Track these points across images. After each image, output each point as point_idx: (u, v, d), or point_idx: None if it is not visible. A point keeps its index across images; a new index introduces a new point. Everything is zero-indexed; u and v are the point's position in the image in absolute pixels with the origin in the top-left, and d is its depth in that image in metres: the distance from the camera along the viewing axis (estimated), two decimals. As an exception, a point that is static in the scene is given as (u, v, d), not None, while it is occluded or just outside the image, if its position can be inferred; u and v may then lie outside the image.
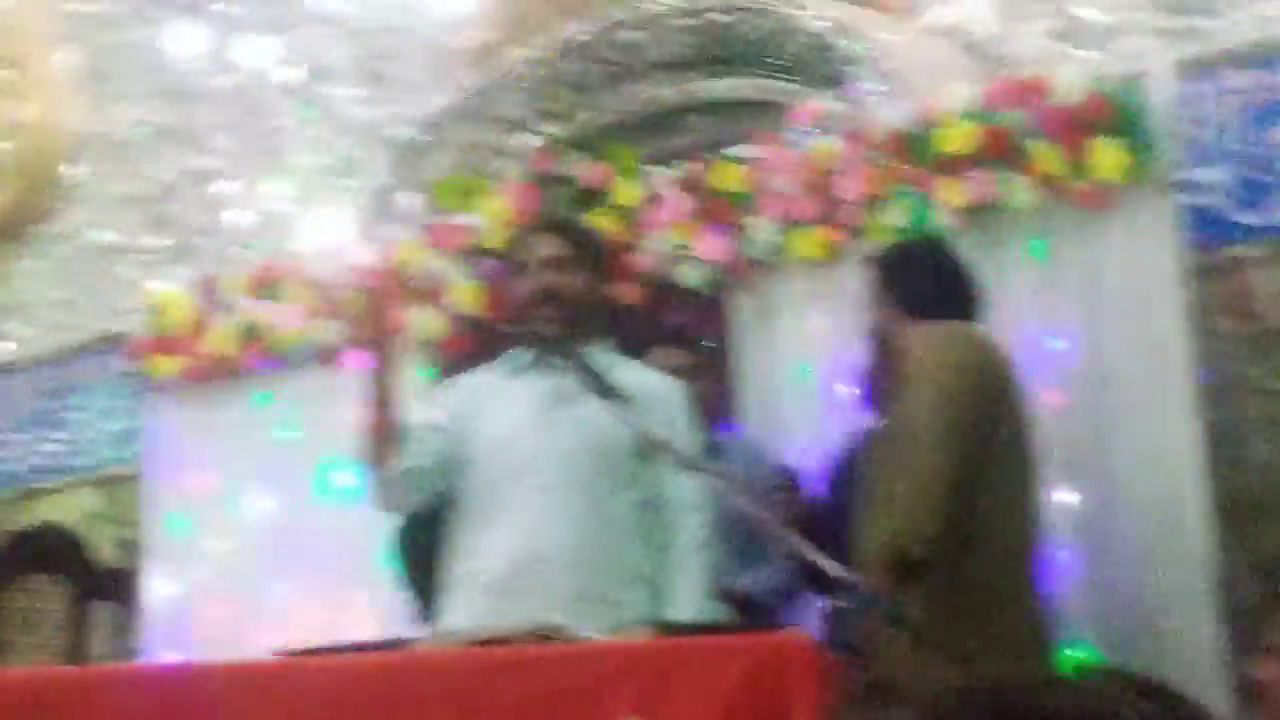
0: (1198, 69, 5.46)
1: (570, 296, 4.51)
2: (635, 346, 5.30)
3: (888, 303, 4.58)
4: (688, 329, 5.54)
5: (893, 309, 4.55)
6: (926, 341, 4.28)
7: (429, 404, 4.74)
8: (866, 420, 4.75)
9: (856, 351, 4.99)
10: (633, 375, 4.49)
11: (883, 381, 4.57)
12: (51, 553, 5.39)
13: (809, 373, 5.43)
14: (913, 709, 0.93)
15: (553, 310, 4.45)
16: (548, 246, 4.57)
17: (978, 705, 1.02)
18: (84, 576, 5.39)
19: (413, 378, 5.96)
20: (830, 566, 3.61)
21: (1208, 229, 5.33)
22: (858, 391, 4.95)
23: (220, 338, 6.55)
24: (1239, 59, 5.45)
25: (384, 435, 4.37)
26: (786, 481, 4.92)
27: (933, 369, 4.19)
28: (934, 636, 3.74)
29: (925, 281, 4.55)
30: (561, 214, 5.06)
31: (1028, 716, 0.99)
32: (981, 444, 4.15)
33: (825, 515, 4.56)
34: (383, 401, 4.34)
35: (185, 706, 3.57)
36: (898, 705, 0.95)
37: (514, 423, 4.50)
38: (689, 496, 4.38)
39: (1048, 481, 4.77)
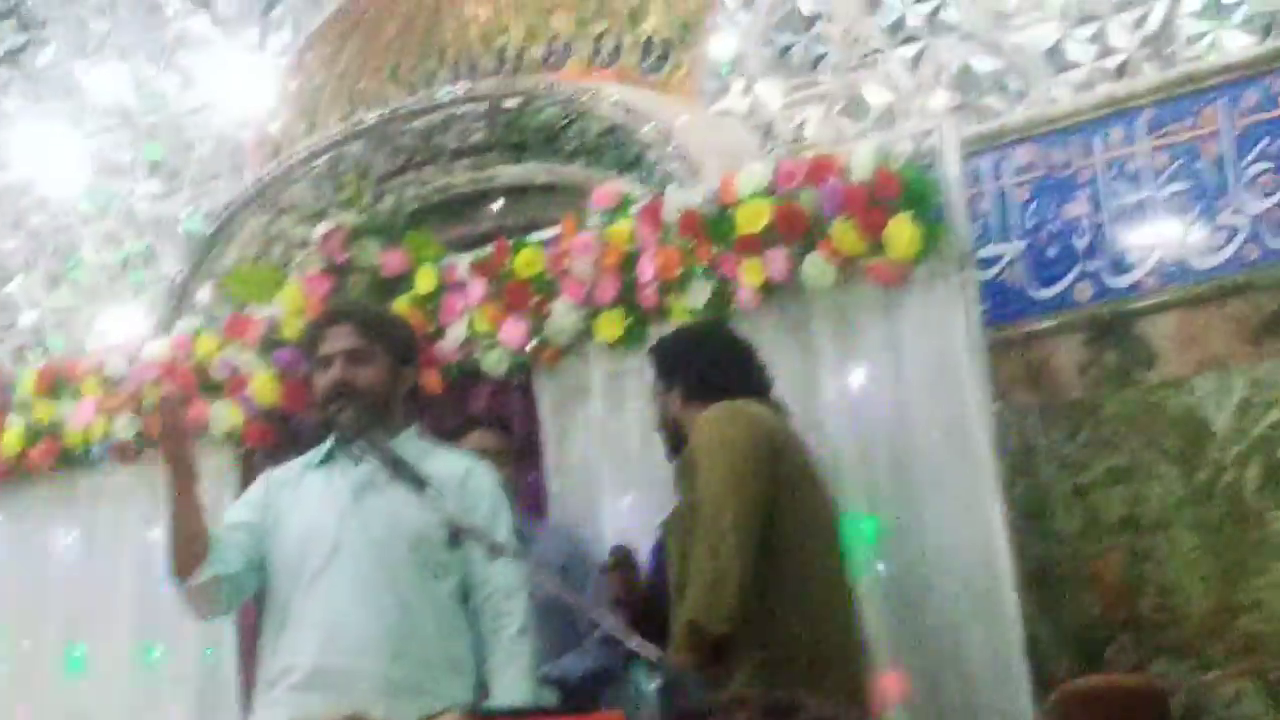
0: (985, 145, 5.57)
1: (364, 389, 4.45)
2: (444, 432, 5.30)
3: (671, 389, 4.62)
4: (495, 414, 5.51)
5: (675, 395, 4.59)
6: (705, 424, 4.34)
7: (235, 506, 4.66)
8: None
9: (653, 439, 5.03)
10: (441, 461, 4.45)
11: (674, 466, 4.61)
12: None
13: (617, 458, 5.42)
14: None
15: (348, 403, 4.40)
16: (340, 339, 4.51)
17: None
18: None
19: (220, 474, 5.92)
20: (641, 647, 3.60)
21: (1002, 303, 5.42)
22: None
23: (11, 437, 6.41)
24: (1025, 135, 5.56)
25: (188, 545, 4.29)
26: (621, 559, 4.91)
27: (713, 449, 4.24)
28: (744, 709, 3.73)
29: (703, 366, 4.62)
30: (353, 304, 5.01)
31: None
32: (775, 516, 4.18)
33: (657, 595, 4.56)
34: (184, 511, 4.27)
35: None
36: None
37: (320, 513, 4.44)
38: (505, 582, 4.34)
39: (856, 557, 4.82)
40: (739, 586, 4.04)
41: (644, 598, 4.68)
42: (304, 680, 4.26)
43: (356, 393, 4.42)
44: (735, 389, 4.50)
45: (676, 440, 4.61)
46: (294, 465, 4.70)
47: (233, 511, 4.60)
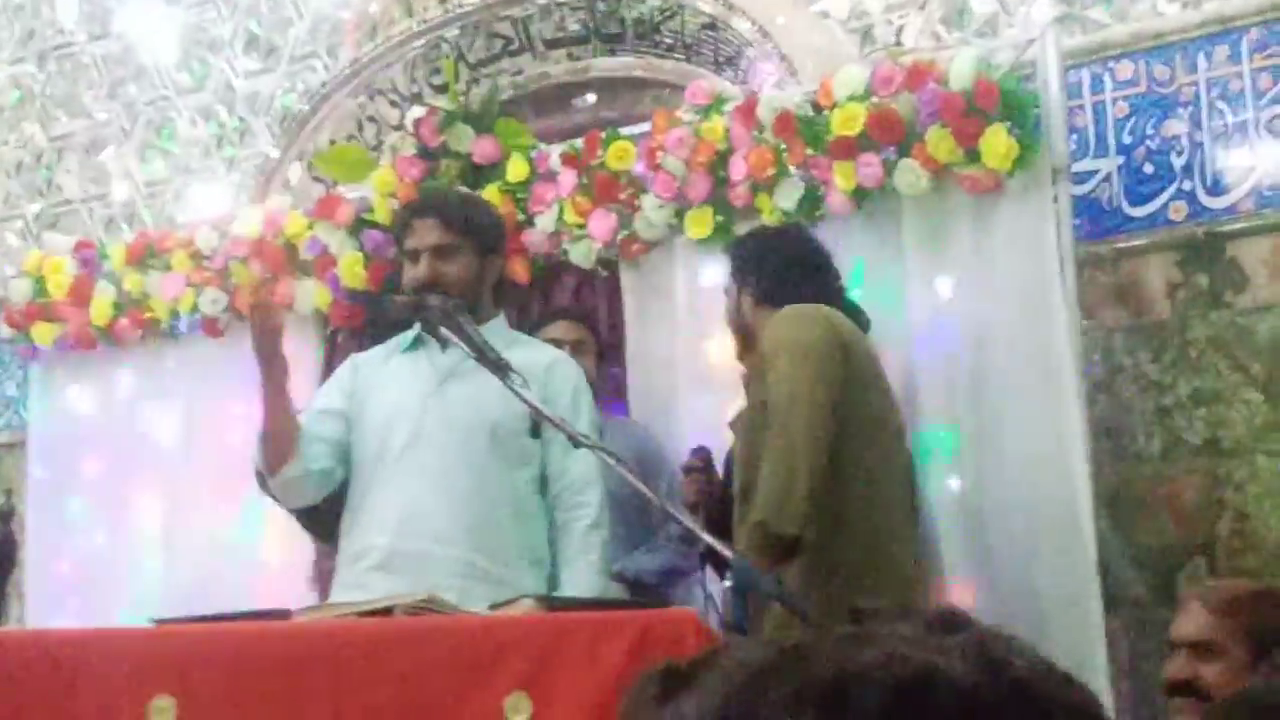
0: (1087, 58, 5.50)
1: (452, 284, 4.49)
2: (529, 322, 5.33)
3: (744, 290, 4.62)
4: (580, 306, 5.52)
5: (749, 295, 4.59)
6: (777, 325, 4.36)
7: (324, 390, 4.71)
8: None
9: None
10: (526, 351, 4.48)
11: (745, 367, 4.63)
12: (-69, 517, 5.30)
13: (698, 356, 5.42)
14: (716, 684, 0.93)
15: (438, 296, 4.42)
16: (427, 234, 4.54)
17: (780, 670, 1.00)
18: (-37, 542, 5.30)
19: (304, 353, 5.96)
20: (718, 546, 3.62)
21: (1094, 219, 5.38)
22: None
23: (100, 306, 6.46)
24: (1128, 50, 5.50)
25: (278, 442, 4.33)
26: (699, 461, 4.93)
27: (785, 351, 4.26)
28: (812, 613, 3.75)
29: (778, 268, 4.61)
30: (440, 196, 5.00)
31: (835, 679, 0.98)
32: (840, 419, 4.19)
33: (728, 500, 4.58)
34: (275, 409, 4.30)
35: (64, 671, 3.53)
36: (700, 685, 0.94)
37: (404, 398, 4.49)
38: (582, 474, 4.38)
39: (934, 468, 4.82)
40: (808, 489, 4.06)
41: (719, 501, 4.70)
42: (381, 561, 4.32)
43: (444, 288, 4.45)
44: (809, 294, 4.50)
45: (747, 341, 4.62)
46: (379, 349, 4.75)
47: (321, 396, 4.66)
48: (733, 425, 4.67)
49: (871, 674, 0.98)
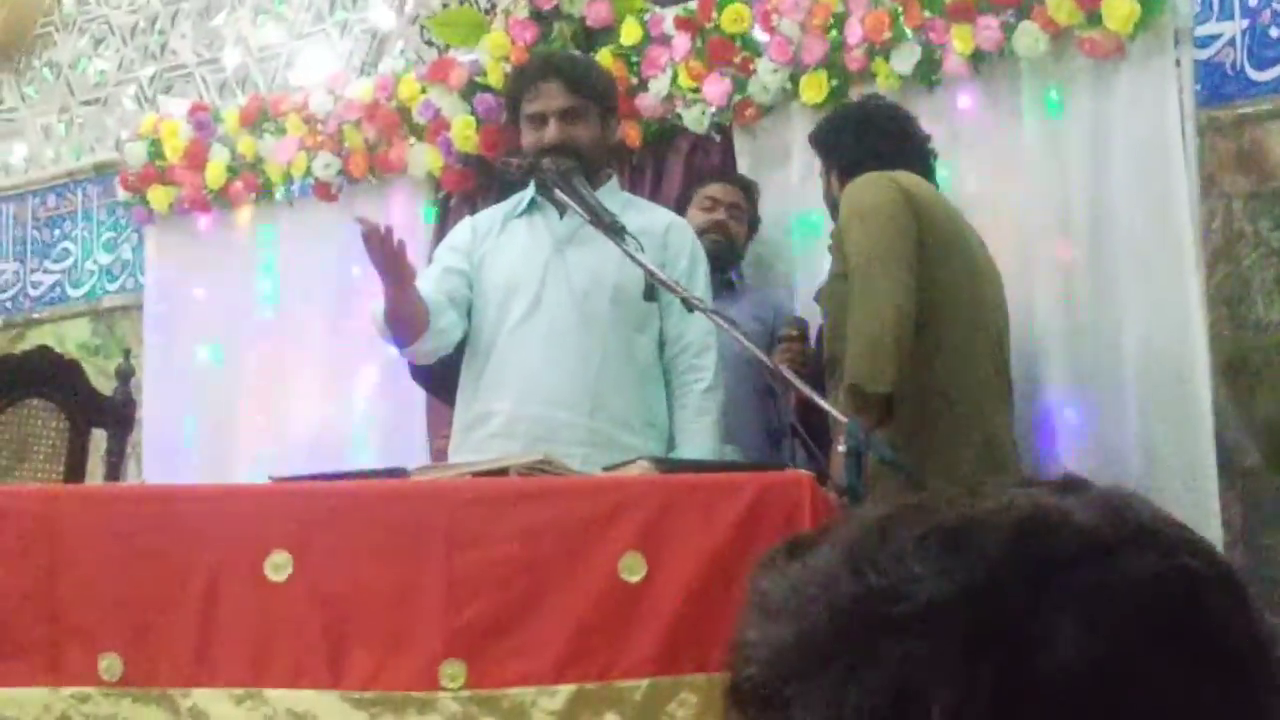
0: (1213, -80, 5.40)
1: (580, 148, 4.48)
2: (650, 185, 5.34)
3: (832, 171, 4.67)
4: (739, 174, 5.48)
5: (836, 177, 4.60)
6: (850, 193, 4.39)
7: (445, 249, 4.71)
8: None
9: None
10: (640, 215, 4.48)
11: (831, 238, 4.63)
12: (50, 378, 5.34)
13: (812, 222, 5.39)
14: (840, 537, 0.94)
15: (561, 160, 4.41)
16: (553, 97, 4.52)
17: (903, 519, 1.01)
18: (82, 403, 5.35)
19: (417, 216, 5.99)
20: (832, 410, 3.63)
21: (1216, 84, 5.29)
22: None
23: (215, 169, 6.50)
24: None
25: (409, 323, 4.34)
26: (794, 330, 4.93)
27: (858, 217, 4.29)
28: (920, 479, 3.75)
29: (858, 146, 4.60)
30: (563, 58, 4.97)
31: (958, 522, 0.98)
32: (925, 276, 4.18)
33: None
34: (401, 304, 4.29)
35: (181, 527, 3.58)
36: (825, 541, 0.95)
37: (523, 264, 4.49)
38: (698, 338, 4.38)
39: (1048, 336, 4.80)
40: (895, 345, 4.08)
41: (815, 370, 4.70)
42: (503, 427, 4.35)
43: (573, 152, 4.44)
44: (887, 163, 4.48)
45: (834, 213, 4.63)
46: (494, 212, 4.75)
47: (444, 254, 4.66)
48: (818, 298, 4.67)
49: (990, 518, 0.99)
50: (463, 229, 4.74)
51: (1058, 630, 0.94)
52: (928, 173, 4.61)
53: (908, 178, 4.42)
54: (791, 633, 1.00)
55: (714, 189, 5.31)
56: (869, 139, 4.59)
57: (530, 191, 4.60)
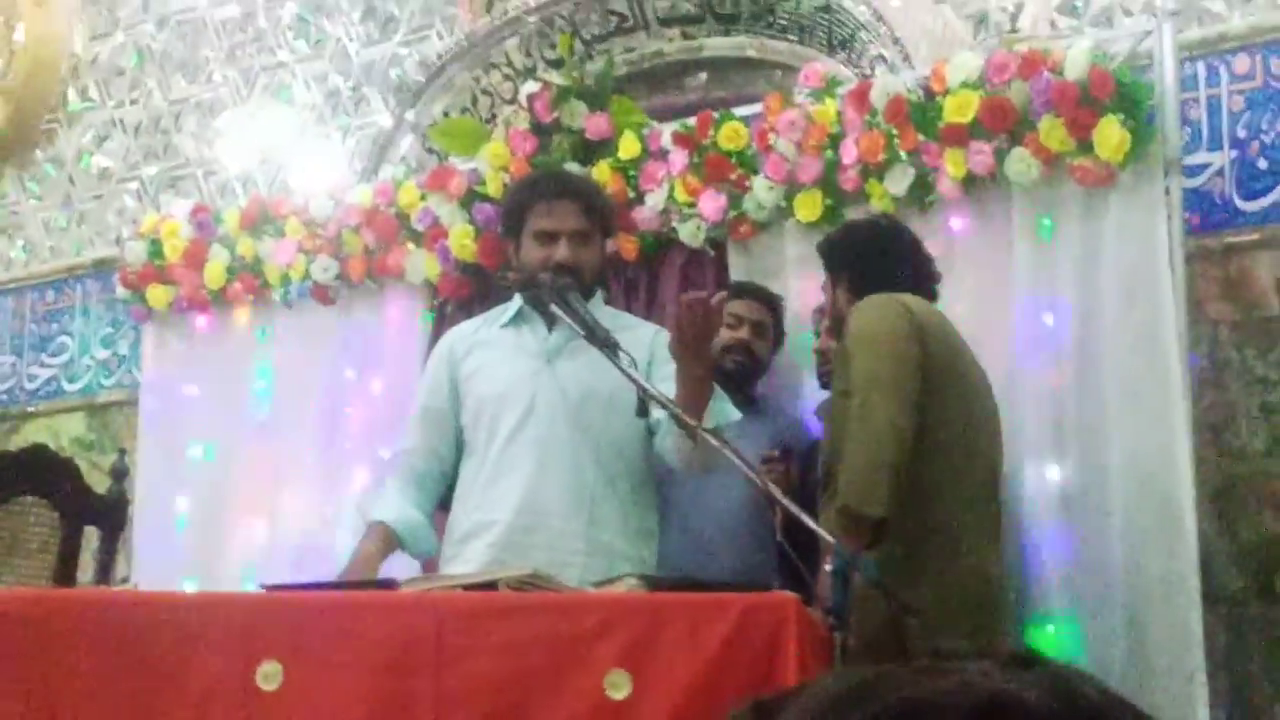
0: (1204, 51, 5.48)
1: (585, 270, 4.54)
2: (639, 300, 5.37)
3: (840, 284, 4.65)
4: (765, 289, 5.46)
5: (844, 290, 4.61)
6: (860, 314, 4.37)
7: (425, 384, 4.76)
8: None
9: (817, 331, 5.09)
10: (626, 329, 4.52)
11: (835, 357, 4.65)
12: (43, 475, 5.38)
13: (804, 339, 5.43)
14: (798, 713, 0.96)
15: (559, 277, 4.46)
16: (569, 218, 4.57)
17: (858, 698, 1.04)
18: (75, 501, 5.39)
19: (412, 321, 6.04)
20: (819, 530, 3.65)
21: (1205, 213, 5.37)
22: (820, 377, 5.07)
23: (214, 269, 6.56)
24: (1245, 43, 5.47)
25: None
26: (777, 452, 4.95)
27: (865, 338, 4.27)
28: (904, 602, 3.77)
29: (870, 262, 4.60)
30: (580, 181, 5.00)
31: (912, 705, 1.01)
32: (926, 405, 4.20)
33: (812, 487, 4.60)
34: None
35: (174, 633, 3.60)
36: (784, 715, 0.97)
37: (514, 376, 4.54)
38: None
39: (1036, 457, 4.82)
40: (892, 471, 4.07)
41: (799, 493, 4.73)
42: (502, 537, 4.38)
43: (578, 274, 4.49)
44: (897, 283, 4.51)
45: (835, 330, 4.65)
46: (472, 324, 4.81)
47: (424, 391, 4.73)
48: (818, 412, 4.71)
49: (947, 700, 1.00)
50: (440, 356, 4.77)
51: None
52: (933, 296, 4.64)
53: (918, 303, 4.44)
54: None
55: (738, 306, 5.28)
56: (881, 261, 4.60)
57: (517, 303, 4.66)
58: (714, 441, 3.89)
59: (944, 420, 4.29)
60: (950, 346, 4.43)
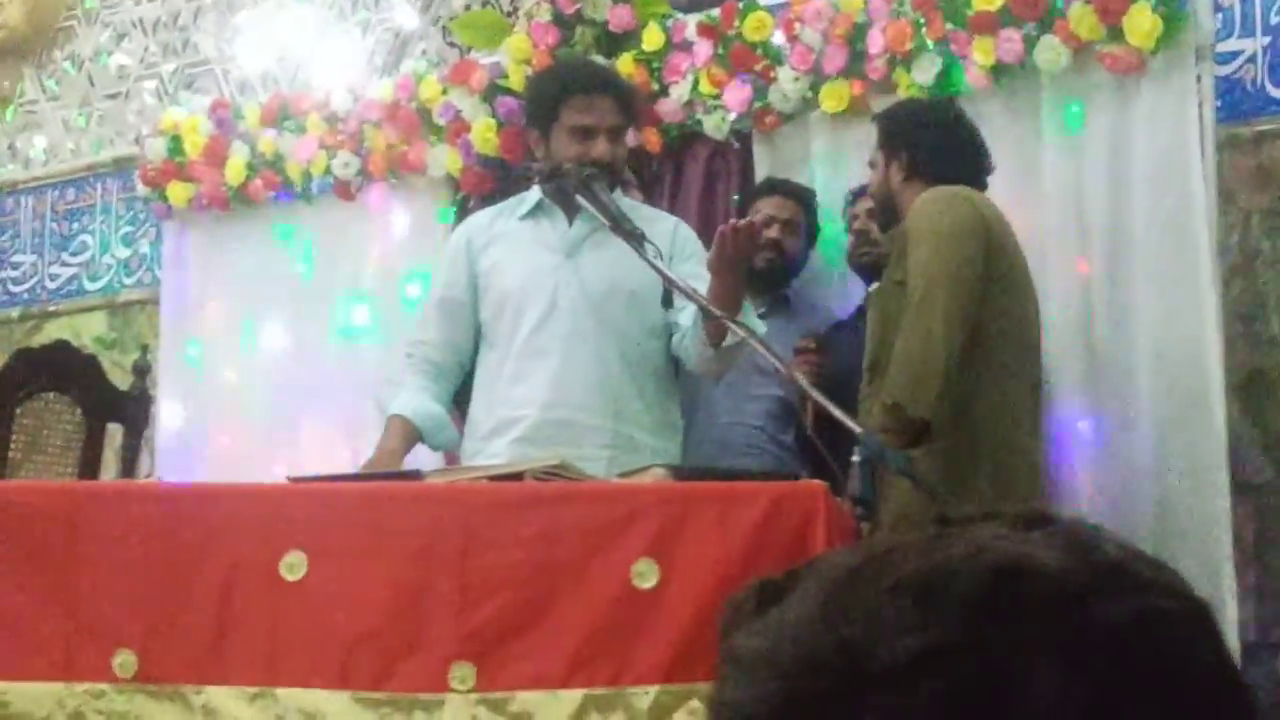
0: (1237, -63, 5.41)
1: (618, 166, 4.52)
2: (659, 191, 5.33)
3: (894, 162, 4.57)
4: (795, 184, 5.39)
5: (899, 169, 4.54)
6: (926, 207, 4.30)
7: (443, 274, 4.73)
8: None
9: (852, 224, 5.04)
10: (647, 220, 4.48)
11: (885, 241, 4.59)
12: (65, 372, 5.37)
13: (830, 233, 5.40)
14: (811, 587, 0.94)
15: (585, 166, 4.40)
16: (606, 114, 4.52)
17: (872, 569, 1.02)
18: (98, 398, 5.38)
19: (435, 215, 6.01)
20: (845, 420, 3.62)
21: (1236, 100, 5.30)
22: (857, 260, 5.02)
23: (235, 166, 6.52)
24: (1279, -71, 5.39)
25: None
26: (811, 342, 4.92)
27: (932, 233, 4.21)
28: (938, 490, 3.75)
29: (932, 144, 4.54)
30: (617, 77, 4.95)
31: (927, 572, 0.99)
32: (981, 307, 4.15)
33: (846, 379, 4.55)
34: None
35: (198, 524, 3.60)
36: (796, 590, 0.96)
37: (534, 270, 4.51)
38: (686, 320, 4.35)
39: (1064, 350, 4.79)
40: (944, 374, 4.04)
41: (829, 380, 4.70)
42: (529, 431, 4.37)
43: (612, 169, 4.46)
44: (958, 173, 4.45)
45: (890, 213, 4.58)
46: (490, 216, 4.77)
47: (442, 281, 4.69)
48: (869, 297, 4.65)
49: (962, 565, 0.99)
50: (457, 245, 4.74)
51: (1037, 681, 0.94)
52: (983, 187, 4.57)
53: (983, 201, 4.38)
54: (770, 691, 1.00)
55: (769, 203, 5.24)
56: (946, 147, 4.54)
57: (535, 195, 4.61)
58: (742, 332, 3.87)
59: (1001, 318, 4.26)
60: (1010, 243, 4.37)
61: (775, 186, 5.34)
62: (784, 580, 1.08)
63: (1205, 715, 0.98)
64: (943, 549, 1.01)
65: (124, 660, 3.49)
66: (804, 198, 5.32)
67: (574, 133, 4.50)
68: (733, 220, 4.15)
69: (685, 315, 4.31)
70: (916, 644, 0.95)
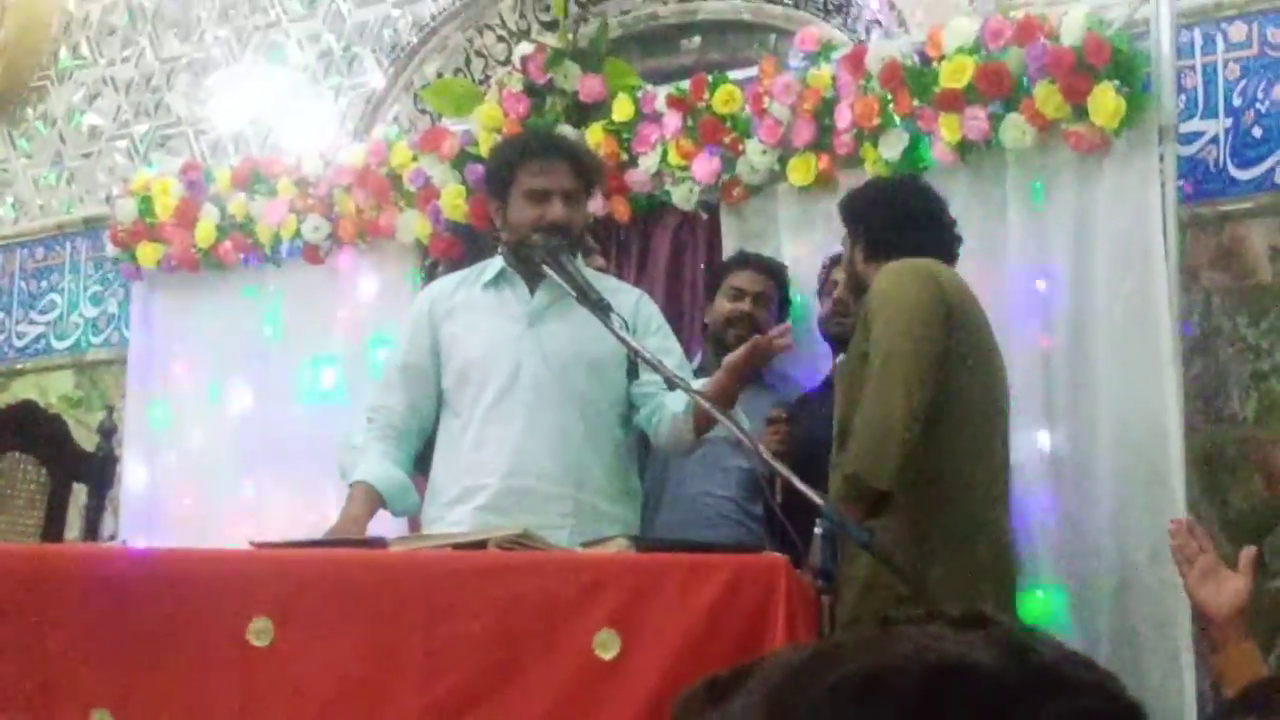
0: (1200, 18, 5.46)
1: (576, 230, 4.54)
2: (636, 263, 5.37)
3: (857, 243, 4.60)
4: (766, 258, 5.42)
5: (861, 250, 4.57)
6: (884, 279, 4.30)
7: (404, 338, 4.75)
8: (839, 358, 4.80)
9: (828, 290, 5.07)
10: (611, 290, 4.51)
11: (851, 318, 4.62)
12: (32, 432, 5.38)
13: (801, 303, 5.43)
14: (756, 685, 0.96)
15: (551, 238, 4.45)
16: (561, 178, 4.54)
17: (815, 668, 1.05)
18: (63, 457, 5.38)
19: (403, 281, 6.03)
20: (809, 493, 3.64)
21: (1200, 181, 5.35)
22: (830, 329, 5.05)
23: (205, 228, 6.54)
24: (1242, 11, 5.45)
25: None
26: (782, 413, 4.95)
27: (891, 303, 4.20)
28: (898, 564, 3.77)
29: (896, 222, 4.55)
30: (573, 143, 4.99)
31: (869, 672, 1.02)
32: (943, 377, 4.17)
33: (815, 450, 4.57)
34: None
35: (165, 589, 3.61)
36: (743, 688, 0.98)
37: (496, 339, 4.53)
38: (677, 411, 4.38)
39: (1026, 423, 4.81)
40: (902, 444, 4.03)
41: (795, 453, 4.72)
42: (491, 501, 4.38)
43: (569, 233, 4.49)
44: (920, 249, 4.47)
45: (859, 293, 4.61)
46: (452, 281, 4.79)
47: (403, 347, 4.73)
48: (837, 368, 4.68)
49: (903, 665, 1.01)
50: (419, 311, 4.77)
51: None
52: (953, 259, 4.61)
53: (945, 272, 4.36)
54: None
55: (741, 278, 5.27)
56: (901, 221, 4.54)
57: (498, 264, 4.64)
58: (704, 404, 3.91)
59: (965, 390, 4.24)
60: (974, 318, 4.38)
61: (749, 260, 5.36)
62: (732, 677, 1.10)
63: None
64: (883, 649, 1.04)
65: (102, 719, 3.51)
66: (776, 272, 5.34)
67: (530, 196, 4.53)
68: (771, 333, 4.27)
69: (674, 397, 4.34)
70: None
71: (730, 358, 4.18)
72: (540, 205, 4.50)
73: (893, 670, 1.01)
